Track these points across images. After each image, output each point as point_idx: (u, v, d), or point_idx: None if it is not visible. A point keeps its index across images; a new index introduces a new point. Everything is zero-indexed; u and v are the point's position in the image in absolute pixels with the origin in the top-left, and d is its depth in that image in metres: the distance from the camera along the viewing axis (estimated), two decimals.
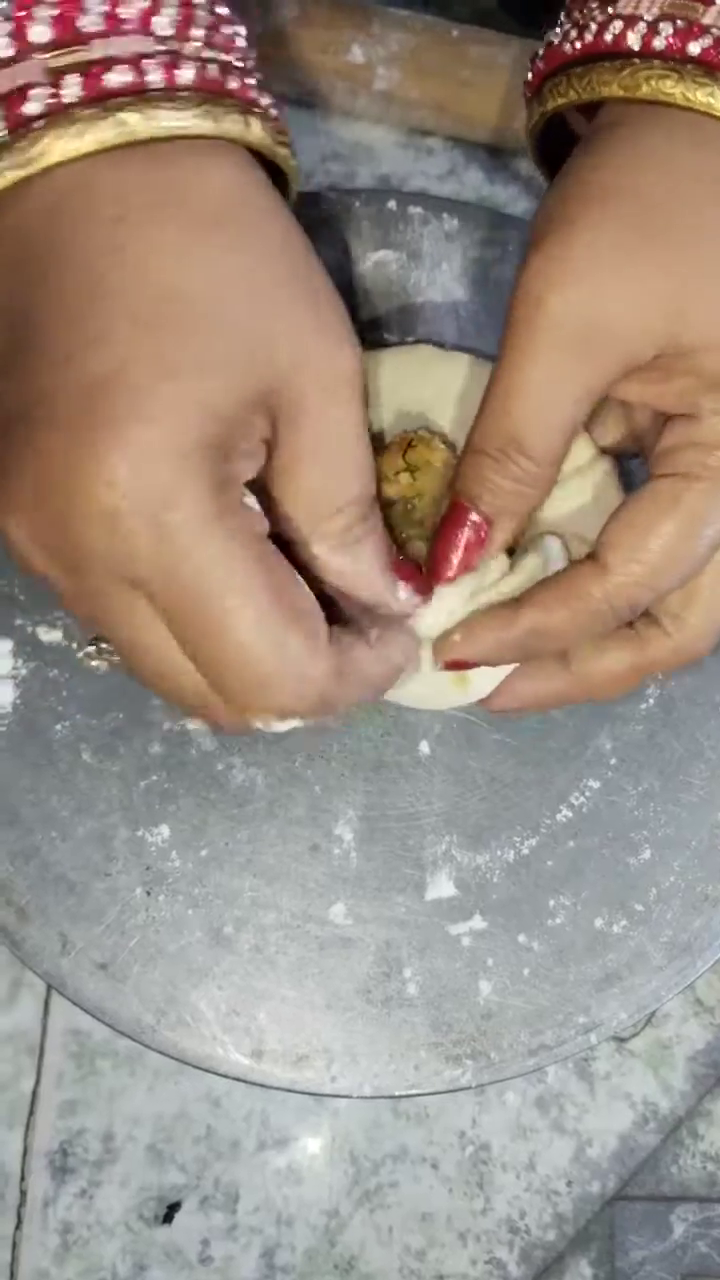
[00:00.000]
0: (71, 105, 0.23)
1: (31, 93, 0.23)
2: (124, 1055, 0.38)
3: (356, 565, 0.28)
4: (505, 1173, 0.39)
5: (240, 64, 0.27)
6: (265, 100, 0.27)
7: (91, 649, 0.28)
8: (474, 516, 0.30)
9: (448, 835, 0.36)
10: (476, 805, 0.36)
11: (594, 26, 0.29)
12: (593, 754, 0.37)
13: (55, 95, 0.23)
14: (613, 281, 0.26)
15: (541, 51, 0.31)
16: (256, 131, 0.26)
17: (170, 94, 0.24)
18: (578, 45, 0.29)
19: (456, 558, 0.30)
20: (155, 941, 0.35)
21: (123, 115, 0.23)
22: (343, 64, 0.42)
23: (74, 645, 0.37)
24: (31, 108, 0.23)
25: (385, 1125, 0.39)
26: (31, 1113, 0.38)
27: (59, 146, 0.23)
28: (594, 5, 0.30)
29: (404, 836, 0.36)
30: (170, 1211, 0.38)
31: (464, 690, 0.33)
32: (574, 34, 0.30)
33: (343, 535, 0.28)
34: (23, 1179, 0.38)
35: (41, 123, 0.23)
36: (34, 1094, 0.38)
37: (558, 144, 0.32)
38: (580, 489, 0.33)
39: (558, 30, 0.31)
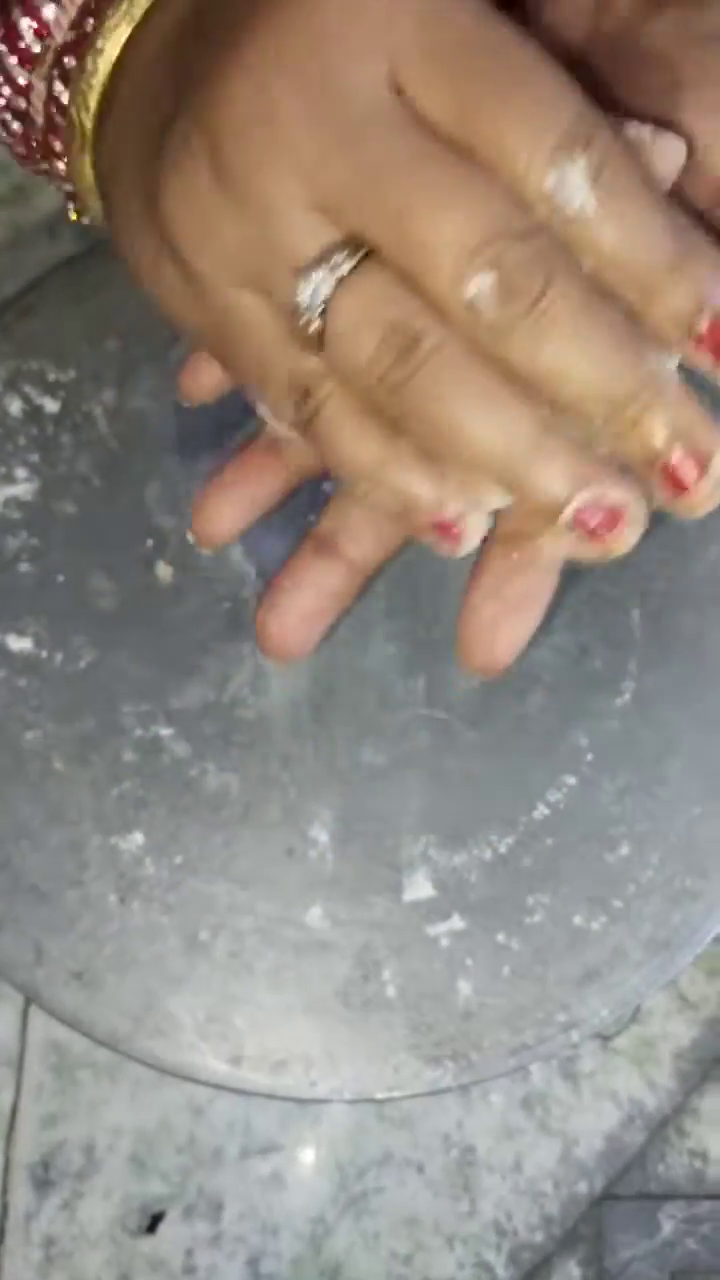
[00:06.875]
0: None
1: None
2: (104, 1066, 0.38)
3: None
4: (491, 1174, 0.38)
5: None
6: None
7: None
8: None
9: (424, 835, 0.36)
10: (453, 805, 0.36)
11: None
12: (569, 750, 0.36)
13: None
14: None
15: None
16: None
17: None
18: None
19: None
20: (130, 949, 0.34)
21: None
22: None
23: (44, 653, 0.36)
24: None
25: (369, 1130, 0.38)
26: (12, 1126, 0.38)
27: None
28: None
29: (380, 837, 0.36)
30: (154, 1222, 0.38)
31: None
32: None
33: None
34: (4, 1192, 0.38)
35: None
36: (14, 1107, 0.38)
37: None
38: None
39: None
